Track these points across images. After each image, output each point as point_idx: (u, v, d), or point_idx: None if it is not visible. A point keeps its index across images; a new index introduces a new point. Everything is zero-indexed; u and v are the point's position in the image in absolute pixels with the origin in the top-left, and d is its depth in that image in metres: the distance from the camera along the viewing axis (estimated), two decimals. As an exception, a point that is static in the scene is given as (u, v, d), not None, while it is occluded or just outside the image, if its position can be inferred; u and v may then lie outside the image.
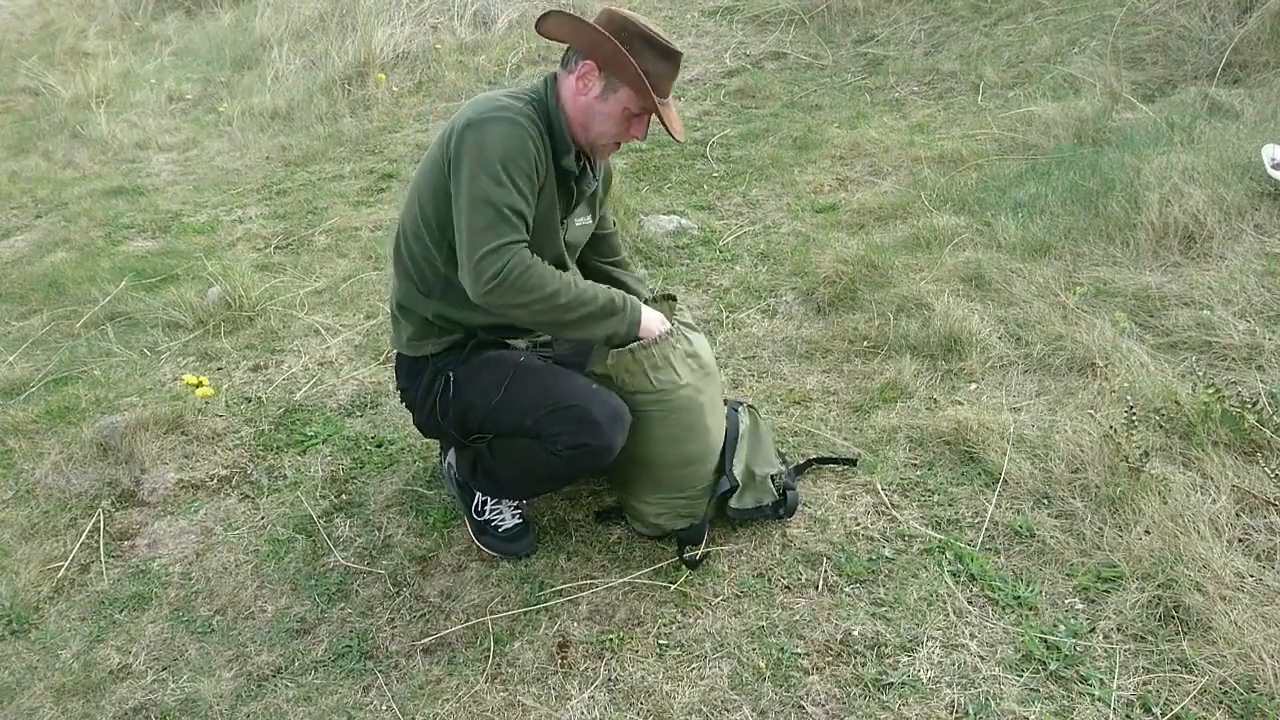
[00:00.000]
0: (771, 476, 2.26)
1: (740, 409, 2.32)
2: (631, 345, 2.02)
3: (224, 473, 2.67)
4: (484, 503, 2.26)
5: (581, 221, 2.19)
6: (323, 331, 3.42)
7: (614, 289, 2.03)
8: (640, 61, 1.90)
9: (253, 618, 2.16)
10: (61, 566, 2.35)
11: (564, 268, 2.18)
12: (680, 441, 2.11)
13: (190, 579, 2.30)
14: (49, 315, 3.75)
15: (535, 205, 1.94)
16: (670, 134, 1.99)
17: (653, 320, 2.05)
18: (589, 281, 2.00)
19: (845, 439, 2.54)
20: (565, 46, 2.02)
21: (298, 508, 2.50)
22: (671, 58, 1.95)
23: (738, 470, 2.20)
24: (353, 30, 6.57)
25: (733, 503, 2.19)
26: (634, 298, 2.05)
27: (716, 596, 2.06)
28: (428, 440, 2.65)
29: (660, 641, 1.97)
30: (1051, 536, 2.10)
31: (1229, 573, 1.90)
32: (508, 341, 2.15)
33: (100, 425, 2.78)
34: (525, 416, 1.99)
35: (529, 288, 1.85)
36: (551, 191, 2.02)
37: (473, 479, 2.24)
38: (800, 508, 2.26)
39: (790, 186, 4.28)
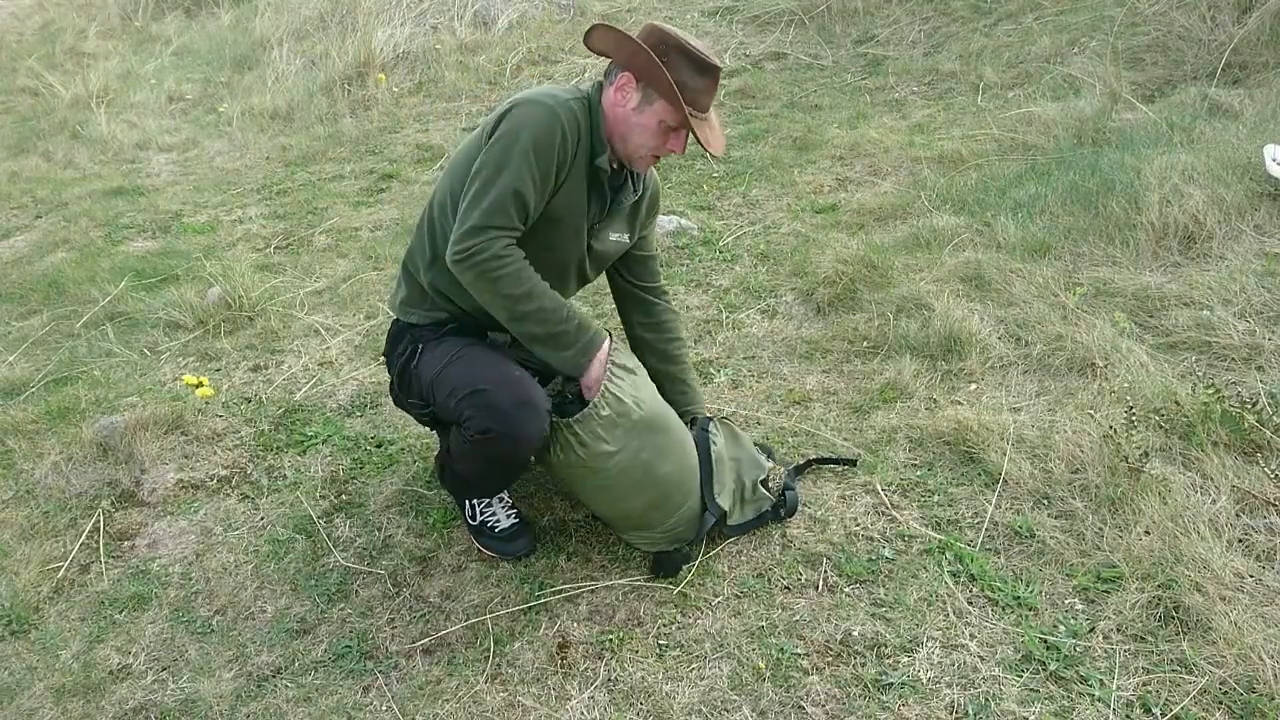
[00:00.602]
0: (762, 481, 2.25)
1: (711, 424, 2.26)
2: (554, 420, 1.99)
3: (224, 473, 2.67)
4: (476, 504, 2.27)
5: (616, 236, 2.18)
6: (323, 332, 3.42)
7: (582, 319, 2.01)
8: (675, 74, 1.91)
9: (252, 618, 2.16)
10: (61, 567, 2.35)
11: (583, 275, 2.19)
12: (634, 494, 2.08)
13: (190, 579, 2.30)
14: (49, 315, 3.75)
15: (549, 197, 1.97)
16: (706, 150, 1.98)
17: (594, 375, 2.02)
18: (561, 303, 1.99)
19: (845, 439, 2.54)
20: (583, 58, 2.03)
21: (297, 508, 2.50)
22: (709, 72, 1.95)
23: (725, 496, 2.17)
24: (353, 30, 6.57)
25: (732, 521, 2.19)
26: (595, 336, 2.02)
27: (716, 597, 2.06)
28: (427, 440, 2.66)
29: (660, 642, 1.97)
30: (1051, 537, 2.10)
31: (1229, 573, 1.90)
32: (489, 334, 2.15)
33: (100, 425, 2.78)
34: (451, 396, 2.00)
35: (493, 279, 1.91)
36: (580, 188, 2.02)
37: (442, 480, 2.29)
38: (800, 508, 2.26)
39: (790, 187, 4.28)
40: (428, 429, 2.49)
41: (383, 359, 2.32)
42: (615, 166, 2.07)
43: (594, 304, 3.38)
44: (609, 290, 2.42)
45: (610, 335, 2.08)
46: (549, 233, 2.02)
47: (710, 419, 2.29)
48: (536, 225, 1.99)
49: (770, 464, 2.32)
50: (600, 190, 2.07)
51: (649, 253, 2.34)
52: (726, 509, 2.17)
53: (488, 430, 1.94)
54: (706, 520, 2.14)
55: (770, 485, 2.28)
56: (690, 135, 1.99)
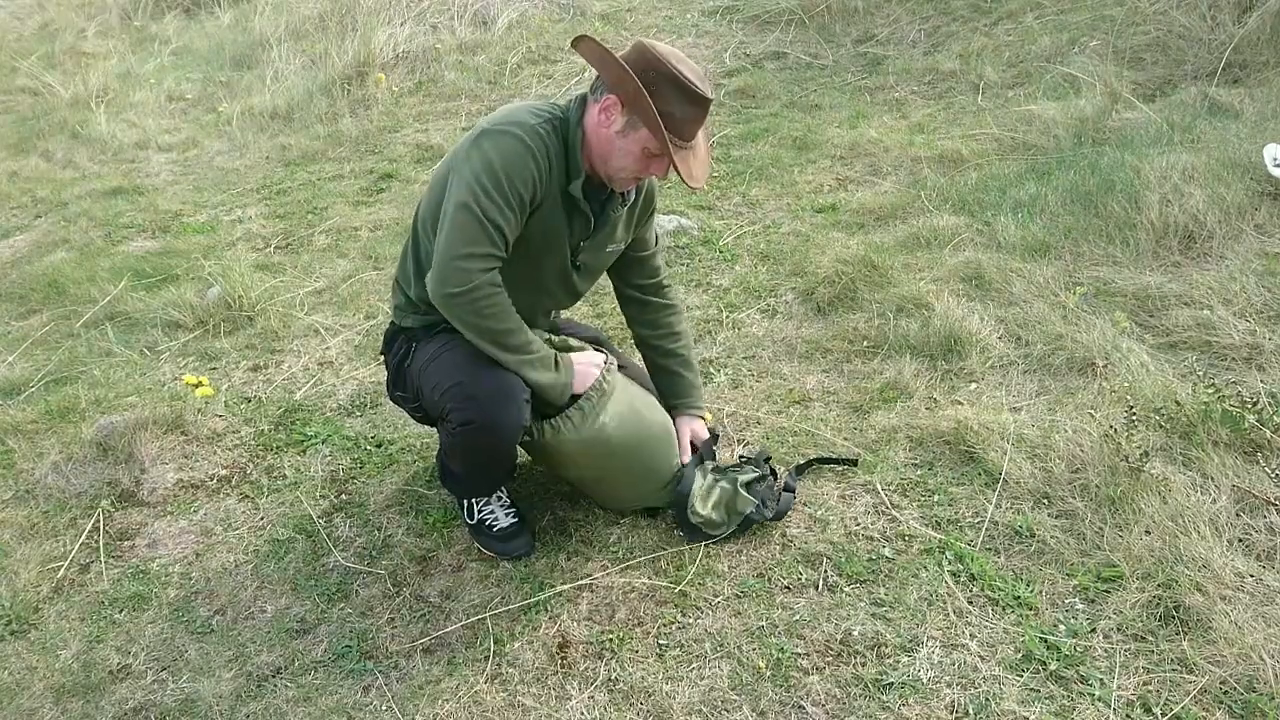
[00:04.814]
0: (749, 484, 2.22)
1: (685, 470, 2.25)
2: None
3: (224, 473, 2.67)
4: (475, 503, 2.27)
5: (612, 247, 2.17)
6: (322, 331, 3.42)
7: (559, 353, 2.05)
8: (662, 104, 1.85)
9: (252, 618, 2.15)
10: (61, 567, 2.35)
11: (572, 290, 2.19)
12: (636, 451, 2.19)
13: (190, 579, 2.29)
14: (49, 315, 3.74)
15: (522, 224, 1.95)
16: (685, 183, 1.93)
17: (584, 377, 2.09)
18: (534, 337, 2.02)
19: (845, 439, 2.53)
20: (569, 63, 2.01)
21: (297, 508, 2.50)
22: (698, 102, 1.89)
23: (707, 508, 2.19)
24: (353, 30, 6.56)
25: (718, 533, 2.20)
26: (571, 369, 2.06)
27: (716, 596, 2.06)
28: (428, 440, 2.65)
29: (660, 641, 1.97)
30: (1051, 536, 2.10)
31: (1229, 573, 1.90)
32: None
33: (100, 425, 2.78)
34: (435, 391, 2.02)
35: (484, 313, 1.92)
36: (555, 213, 2.00)
37: (443, 480, 2.30)
38: (800, 507, 2.26)
39: (790, 186, 4.28)
40: (428, 427, 2.49)
41: (381, 358, 2.34)
42: (597, 184, 2.02)
43: (593, 304, 3.38)
44: (609, 290, 2.41)
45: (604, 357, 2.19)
46: (526, 256, 2.01)
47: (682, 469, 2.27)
48: (514, 249, 1.98)
49: (757, 471, 2.27)
50: (577, 210, 2.03)
51: (646, 252, 2.30)
52: (706, 518, 2.19)
53: (468, 422, 1.96)
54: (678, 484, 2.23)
55: (755, 490, 2.23)
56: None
